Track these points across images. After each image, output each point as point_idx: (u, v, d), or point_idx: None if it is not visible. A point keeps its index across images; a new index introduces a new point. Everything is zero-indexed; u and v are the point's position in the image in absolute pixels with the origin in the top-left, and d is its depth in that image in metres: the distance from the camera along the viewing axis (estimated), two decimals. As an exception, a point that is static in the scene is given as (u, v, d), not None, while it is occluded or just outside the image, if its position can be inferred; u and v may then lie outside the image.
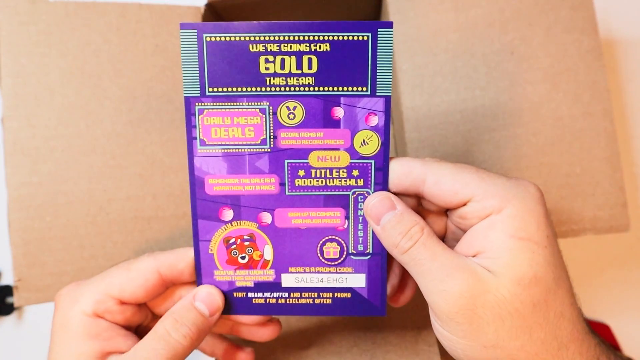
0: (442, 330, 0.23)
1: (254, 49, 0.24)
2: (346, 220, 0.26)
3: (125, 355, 0.24)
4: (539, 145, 0.36)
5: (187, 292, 0.28)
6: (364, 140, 0.25)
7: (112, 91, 0.35)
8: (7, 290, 0.43)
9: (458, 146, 0.36)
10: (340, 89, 0.25)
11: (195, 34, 0.24)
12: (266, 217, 0.26)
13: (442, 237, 0.27)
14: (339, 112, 0.25)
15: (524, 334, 0.21)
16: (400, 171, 0.25)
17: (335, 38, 0.24)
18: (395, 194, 0.25)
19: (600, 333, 0.46)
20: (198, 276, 0.27)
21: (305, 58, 0.24)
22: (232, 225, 0.26)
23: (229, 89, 0.25)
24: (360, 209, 0.26)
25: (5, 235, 0.33)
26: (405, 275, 0.29)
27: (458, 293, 0.21)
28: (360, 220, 0.26)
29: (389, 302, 0.29)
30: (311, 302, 0.27)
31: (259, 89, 0.25)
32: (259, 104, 0.25)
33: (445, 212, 0.26)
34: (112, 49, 0.35)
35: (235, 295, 0.27)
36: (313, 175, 0.26)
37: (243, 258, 0.27)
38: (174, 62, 0.36)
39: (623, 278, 0.48)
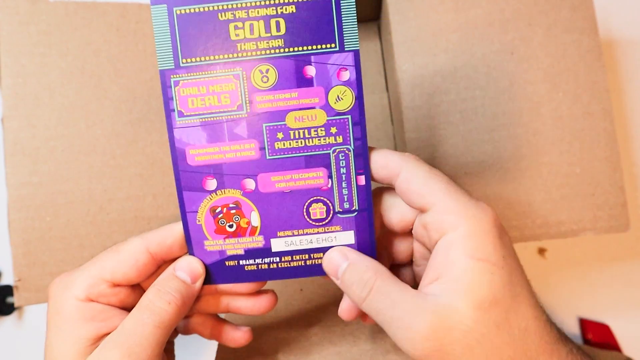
0: None
1: (223, 17, 0.25)
2: (329, 180, 0.26)
3: (114, 332, 0.24)
4: (539, 145, 0.36)
5: None
6: (338, 96, 0.25)
7: (112, 91, 0.35)
8: (7, 290, 0.43)
9: (458, 146, 0.36)
10: (309, 47, 0.25)
11: (165, 8, 0.25)
12: (249, 184, 0.26)
13: (409, 258, 0.28)
14: (310, 70, 0.25)
15: (494, 356, 0.22)
16: (379, 163, 0.26)
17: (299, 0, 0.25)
18: (378, 182, 0.26)
19: (600, 333, 0.46)
20: (189, 248, 0.27)
21: (272, 21, 0.25)
22: (216, 194, 0.26)
23: (202, 59, 0.25)
24: (342, 167, 0.26)
25: (5, 235, 0.33)
26: None
27: (424, 338, 0.22)
28: (344, 179, 0.26)
29: (360, 320, 0.29)
30: (303, 264, 0.27)
31: (231, 55, 0.25)
32: (232, 70, 0.25)
33: (410, 232, 0.27)
34: (112, 49, 0.35)
35: (227, 264, 0.27)
36: (292, 137, 0.26)
37: (231, 226, 0.27)
38: (174, 62, 0.36)
39: (623, 278, 0.48)
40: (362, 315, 0.28)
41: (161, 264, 0.27)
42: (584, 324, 0.46)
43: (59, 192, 0.34)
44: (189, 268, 0.26)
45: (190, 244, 0.27)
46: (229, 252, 0.27)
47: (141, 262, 0.26)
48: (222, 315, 0.31)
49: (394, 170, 0.25)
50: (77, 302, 0.25)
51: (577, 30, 0.36)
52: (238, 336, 0.30)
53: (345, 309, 0.27)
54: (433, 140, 0.37)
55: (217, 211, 0.26)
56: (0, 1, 0.34)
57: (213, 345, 0.35)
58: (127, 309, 0.26)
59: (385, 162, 0.25)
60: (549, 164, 0.36)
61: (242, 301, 0.29)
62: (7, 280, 0.44)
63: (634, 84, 0.48)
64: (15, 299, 0.33)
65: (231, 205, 0.26)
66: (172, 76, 0.25)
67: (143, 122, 0.36)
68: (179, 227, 0.27)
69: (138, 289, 0.27)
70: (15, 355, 0.44)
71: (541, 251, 0.47)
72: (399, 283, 0.24)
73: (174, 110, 0.25)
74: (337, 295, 0.37)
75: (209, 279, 0.27)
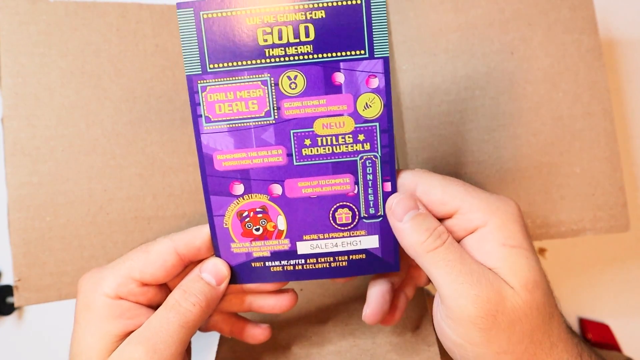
0: (455, 339, 0.23)
1: (251, 22, 0.24)
2: (356, 186, 0.26)
3: (140, 328, 0.25)
4: (539, 145, 0.36)
5: None
6: (366, 104, 0.25)
7: (112, 91, 0.35)
8: (7, 290, 0.43)
9: (458, 146, 0.36)
10: (338, 54, 0.25)
11: (192, 12, 0.24)
12: (276, 189, 0.26)
13: None
14: (339, 77, 0.25)
15: (526, 337, 0.22)
16: None
17: (330, 4, 0.24)
18: None
19: (600, 333, 0.46)
20: (216, 250, 0.27)
21: (302, 27, 0.24)
22: (243, 199, 0.26)
23: (230, 64, 0.25)
24: (369, 174, 0.26)
25: (5, 235, 0.33)
26: (395, 300, 0.30)
27: (486, 298, 0.22)
28: (370, 185, 0.26)
29: (381, 324, 0.29)
30: (327, 266, 0.27)
31: (258, 61, 0.25)
32: (260, 76, 0.25)
33: None
34: (112, 49, 0.35)
35: (253, 265, 0.27)
36: (319, 144, 0.26)
37: (257, 230, 0.27)
38: (174, 62, 0.36)
39: (623, 278, 0.48)
40: (388, 317, 0.29)
41: (188, 265, 0.28)
42: (584, 324, 0.46)
43: (59, 192, 0.34)
44: (215, 270, 0.27)
45: (217, 246, 0.27)
46: (255, 254, 0.27)
47: (169, 262, 0.26)
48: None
49: (409, 187, 0.26)
50: (106, 299, 0.25)
51: (577, 30, 0.36)
52: (258, 333, 0.31)
53: (369, 314, 0.28)
54: (433, 140, 0.37)
55: (244, 215, 0.27)
56: (0, 1, 0.34)
57: (213, 344, 0.35)
58: (154, 307, 0.27)
59: (399, 181, 0.26)
60: (549, 164, 0.36)
61: (264, 300, 0.29)
62: (7, 280, 0.44)
63: (634, 84, 0.48)
64: (15, 299, 0.33)
65: (258, 210, 0.27)
66: (199, 81, 0.25)
67: (143, 122, 0.36)
68: (206, 229, 0.27)
69: (165, 288, 0.28)
70: (15, 355, 0.44)
71: (541, 251, 0.47)
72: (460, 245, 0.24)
73: (201, 116, 0.25)
74: (337, 295, 0.37)
75: (235, 279, 0.28)
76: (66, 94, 0.35)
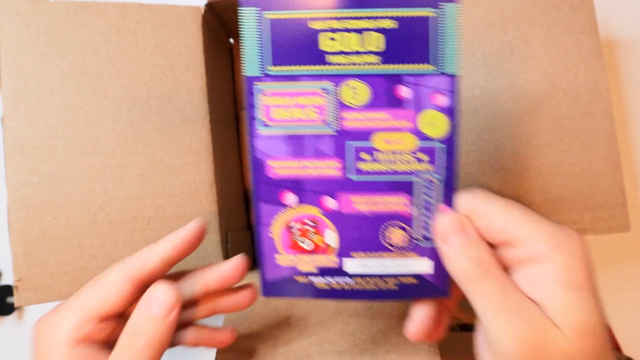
0: None
1: (315, 26, 0.23)
2: (412, 207, 0.25)
3: None
4: (539, 145, 0.36)
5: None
6: (431, 122, 0.24)
7: (112, 91, 0.35)
8: (7, 290, 0.43)
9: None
10: (405, 67, 0.24)
11: (255, 11, 0.23)
12: (329, 202, 0.25)
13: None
14: (404, 91, 0.24)
15: None
16: None
17: (400, 15, 0.23)
18: None
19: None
20: (259, 260, 0.26)
21: (367, 35, 0.23)
22: (294, 209, 0.25)
23: (289, 68, 0.24)
24: (427, 195, 0.25)
25: (5, 235, 0.33)
26: (440, 316, 0.28)
27: (526, 338, 0.21)
28: (428, 207, 0.25)
29: (426, 340, 0.28)
30: (376, 288, 0.26)
31: (319, 67, 0.24)
32: (320, 83, 0.24)
33: None
34: (112, 49, 0.35)
35: (298, 280, 0.26)
36: (377, 159, 0.24)
37: (305, 242, 0.26)
38: (174, 62, 0.36)
39: (623, 278, 0.48)
40: (433, 334, 0.27)
41: (147, 286, 0.27)
42: (584, 324, 0.46)
43: (59, 192, 0.34)
44: (163, 299, 0.26)
45: (261, 257, 0.26)
46: (301, 268, 0.26)
47: (125, 290, 0.26)
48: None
49: (466, 207, 0.24)
50: (64, 347, 0.25)
51: (577, 30, 0.36)
52: (224, 336, 0.30)
53: (415, 332, 0.26)
54: (433, 140, 0.37)
55: (292, 226, 0.26)
56: (0, 1, 0.34)
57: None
58: (113, 342, 0.26)
59: (456, 201, 0.25)
60: (549, 164, 0.36)
61: (227, 300, 0.29)
62: (7, 280, 0.44)
63: (634, 84, 0.48)
64: (15, 299, 0.33)
65: (308, 222, 0.25)
66: (256, 83, 0.24)
67: (143, 122, 0.36)
68: (159, 247, 0.26)
69: (124, 315, 0.27)
70: (15, 355, 0.44)
71: (541, 251, 0.47)
72: (511, 278, 0.23)
73: (255, 119, 0.24)
74: (337, 295, 0.37)
75: (275, 292, 0.26)
76: (66, 94, 0.35)
